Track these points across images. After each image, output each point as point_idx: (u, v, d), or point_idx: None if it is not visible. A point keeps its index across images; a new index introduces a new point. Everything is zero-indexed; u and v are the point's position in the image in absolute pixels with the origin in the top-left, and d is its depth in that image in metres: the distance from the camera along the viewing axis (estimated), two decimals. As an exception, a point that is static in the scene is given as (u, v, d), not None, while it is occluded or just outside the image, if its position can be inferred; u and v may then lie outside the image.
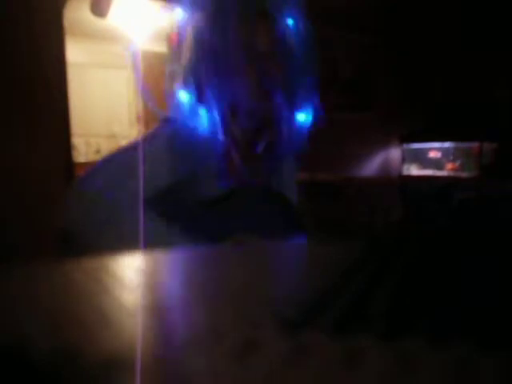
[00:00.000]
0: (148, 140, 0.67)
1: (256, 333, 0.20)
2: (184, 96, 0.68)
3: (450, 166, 3.02)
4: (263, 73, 0.67)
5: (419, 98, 3.20)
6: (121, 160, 0.65)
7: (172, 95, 0.70)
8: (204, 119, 0.66)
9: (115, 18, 3.20)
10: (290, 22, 0.68)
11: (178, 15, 0.69)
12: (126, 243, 0.54)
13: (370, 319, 0.21)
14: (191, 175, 0.65)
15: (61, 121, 1.71)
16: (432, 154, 3.11)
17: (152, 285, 0.28)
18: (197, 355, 0.18)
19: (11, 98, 1.59)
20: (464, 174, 2.83)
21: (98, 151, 4.19)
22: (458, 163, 2.97)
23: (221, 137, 0.65)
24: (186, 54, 0.67)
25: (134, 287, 0.28)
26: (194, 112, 0.67)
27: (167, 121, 0.69)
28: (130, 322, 0.21)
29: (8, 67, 1.57)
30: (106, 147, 4.21)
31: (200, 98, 0.66)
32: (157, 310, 0.23)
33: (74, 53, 3.47)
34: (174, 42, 0.71)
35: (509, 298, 0.25)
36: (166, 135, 0.67)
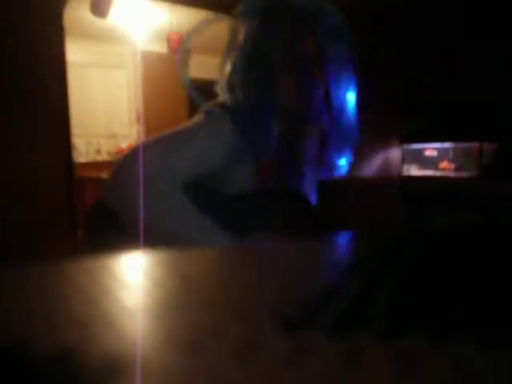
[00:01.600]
0: (200, 130, 0.68)
1: (256, 333, 0.20)
2: (236, 92, 0.71)
3: (444, 164, 3.03)
4: (309, 76, 0.71)
5: (419, 97, 3.20)
6: (166, 143, 0.66)
7: (224, 91, 0.73)
8: (251, 116, 0.69)
9: (115, 18, 3.20)
10: (332, 28, 0.72)
11: (230, 22, 0.73)
12: (157, 225, 0.56)
13: (370, 319, 0.21)
14: (228, 168, 0.67)
15: (61, 121, 1.71)
16: (428, 153, 3.11)
17: (152, 285, 0.28)
18: (197, 355, 0.18)
19: (11, 98, 1.59)
20: (464, 174, 2.83)
21: (98, 151, 4.19)
22: (452, 162, 2.97)
23: (261, 136, 0.68)
24: (237, 56, 0.71)
25: (134, 287, 0.28)
26: (243, 108, 0.70)
27: (212, 113, 0.71)
28: (130, 323, 0.21)
29: (8, 67, 1.57)
30: (106, 147, 4.21)
31: (247, 98, 0.69)
32: (157, 310, 0.23)
33: (74, 53, 3.47)
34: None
35: (509, 297, 0.25)
36: (216, 127, 0.69)
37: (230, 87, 0.72)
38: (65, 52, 1.71)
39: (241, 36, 0.71)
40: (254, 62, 0.69)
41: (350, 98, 0.76)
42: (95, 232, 0.69)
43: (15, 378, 0.16)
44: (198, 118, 0.71)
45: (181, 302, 0.25)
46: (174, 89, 4.23)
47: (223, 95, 0.74)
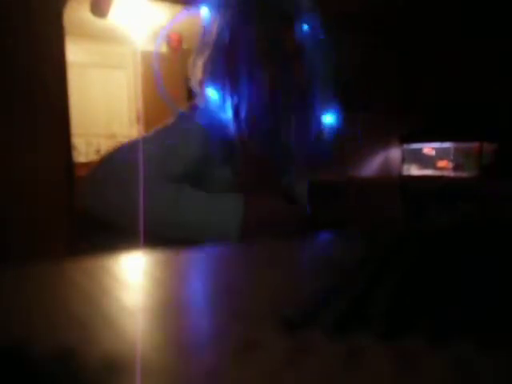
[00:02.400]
0: (166, 130, 0.69)
1: (256, 333, 0.20)
2: (207, 92, 0.70)
3: (442, 163, 3.03)
4: (285, 72, 0.70)
5: (419, 97, 3.20)
6: (136, 147, 0.66)
7: (195, 91, 0.72)
8: (223, 114, 0.68)
9: (115, 18, 3.20)
10: (309, 26, 0.70)
11: (203, 15, 0.72)
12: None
13: (370, 319, 0.21)
14: (203, 167, 0.67)
15: (61, 121, 1.71)
16: (426, 151, 3.12)
17: (152, 285, 0.28)
18: (197, 355, 0.18)
19: (11, 98, 1.59)
20: (464, 174, 2.83)
21: (98, 151, 4.19)
22: (451, 161, 2.97)
23: (238, 132, 0.68)
24: (210, 52, 0.70)
25: (134, 287, 0.28)
26: (214, 106, 0.69)
27: (183, 115, 0.71)
28: (130, 323, 0.21)
29: (8, 67, 1.57)
30: (106, 147, 4.20)
31: (221, 94, 0.69)
32: (157, 310, 0.23)
33: (74, 53, 3.47)
34: (200, 40, 0.73)
35: (509, 297, 0.25)
36: (183, 126, 0.69)
37: (203, 85, 0.71)
38: (65, 52, 1.71)
39: (213, 32, 0.70)
40: (229, 58, 0.68)
41: (328, 98, 0.75)
42: (86, 234, 0.69)
43: (15, 377, 0.16)
44: (170, 120, 0.71)
45: (181, 302, 0.25)
46: (174, 89, 4.21)
47: (199, 93, 0.73)
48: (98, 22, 3.09)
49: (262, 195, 0.68)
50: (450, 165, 3.02)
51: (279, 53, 0.69)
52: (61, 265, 0.33)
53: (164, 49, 4.07)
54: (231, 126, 0.68)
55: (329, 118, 0.75)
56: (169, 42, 3.93)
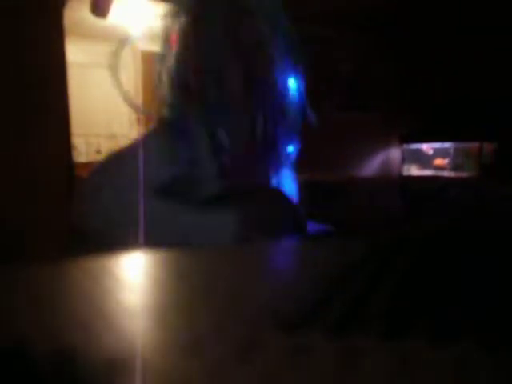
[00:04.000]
0: (147, 139, 0.68)
1: (256, 333, 0.20)
2: (174, 96, 0.69)
3: (438, 161, 3.03)
4: (250, 71, 0.68)
5: (419, 97, 3.20)
6: (124, 157, 0.65)
7: (163, 95, 0.70)
8: (195, 119, 0.67)
9: (115, 18, 3.20)
10: (274, 22, 0.68)
11: (165, 14, 0.71)
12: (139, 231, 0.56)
13: (370, 319, 0.21)
14: (188, 174, 0.66)
15: (61, 121, 1.71)
16: (426, 151, 3.12)
17: (152, 285, 0.28)
18: (197, 355, 0.18)
19: (11, 98, 1.59)
20: (464, 174, 2.83)
21: (98, 151, 4.19)
22: (447, 160, 2.98)
23: (213, 136, 0.66)
24: (174, 53, 0.68)
25: (134, 287, 0.28)
26: (185, 112, 0.67)
27: (163, 121, 0.69)
28: (130, 323, 0.21)
29: (8, 67, 1.57)
30: (106, 147, 4.20)
31: (189, 97, 0.67)
32: (157, 310, 0.23)
33: (74, 53, 3.47)
34: (171, 42, 0.71)
35: (509, 297, 0.25)
36: (163, 135, 0.68)
37: (168, 89, 0.70)
38: (65, 52, 1.71)
39: (173, 37, 0.68)
40: (193, 58, 0.66)
41: (293, 84, 0.73)
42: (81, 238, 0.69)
43: (15, 377, 0.16)
44: (151, 127, 0.70)
45: (181, 302, 0.25)
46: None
47: (166, 99, 0.71)
48: (98, 21, 3.09)
49: (255, 198, 0.67)
50: (439, 160, 3.02)
51: (243, 50, 0.67)
52: (61, 265, 0.33)
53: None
54: (201, 129, 0.66)
55: (295, 109, 0.73)
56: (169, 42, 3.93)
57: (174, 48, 0.72)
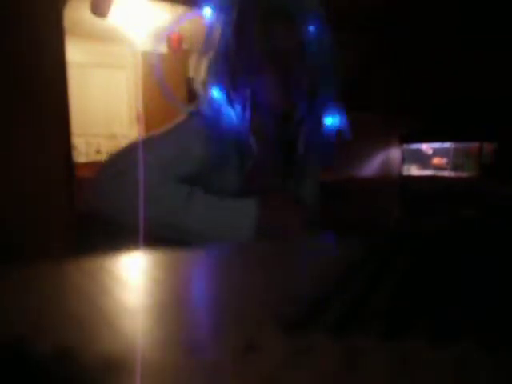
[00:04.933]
0: (178, 129, 0.68)
1: (256, 333, 0.20)
2: (211, 91, 0.70)
3: (436, 160, 3.03)
4: (285, 71, 0.70)
5: (419, 97, 3.20)
6: (152, 143, 0.65)
7: (200, 90, 0.73)
8: (228, 115, 0.68)
9: (115, 18, 3.20)
10: (311, 25, 0.70)
11: (206, 15, 0.72)
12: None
13: (370, 319, 0.21)
14: (216, 166, 0.67)
15: (61, 121, 1.71)
16: (426, 151, 3.12)
17: (152, 285, 0.28)
18: (197, 355, 0.18)
19: (11, 98, 1.59)
20: (464, 174, 2.83)
21: (98, 151, 4.19)
22: (445, 159, 2.98)
23: (244, 132, 0.68)
24: (213, 52, 0.70)
25: (134, 287, 0.28)
26: (219, 107, 0.69)
27: (193, 114, 0.70)
28: (130, 323, 0.21)
29: (8, 67, 1.57)
30: (106, 147, 4.20)
31: (225, 94, 0.69)
32: (157, 310, 0.23)
33: (74, 53, 3.47)
34: (172, 42, 0.73)
35: (509, 297, 0.24)
36: (194, 126, 0.68)
37: (206, 86, 0.71)
38: (65, 52, 1.71)
39: (217, 33, 0.70)
40: (234, 59, 0.68)
41: (332, 99, 0.75)
42: (86, 240, 0.69)
43: (15, 377, 0.16)
44: (177, 120, 0.71)
45: (181, 302, 0.25)
46: (174, 89, 4.22)
47: (202, 93, 0.73)
48: (98, 21, 3.09)
49: (272, 196, 0.68)
50: (437, 159, 3.02)
51: (281, 52, 0.69)
52: (61, 265, 0.33)
53: (164, 49, 4.07)
54: (236, 127, 0.68)
55: (332, 120, 0.76)
56: (169, 43, 3.93)
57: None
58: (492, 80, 2.73)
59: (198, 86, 0.72)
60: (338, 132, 0.76)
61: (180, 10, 3.01)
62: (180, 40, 3.92)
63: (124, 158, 0.62)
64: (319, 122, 0.75)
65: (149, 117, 3.95)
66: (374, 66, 3.31)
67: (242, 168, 0.69)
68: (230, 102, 0.69)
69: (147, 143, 0.64)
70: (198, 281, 0.30)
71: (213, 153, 0.67)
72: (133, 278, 0.30)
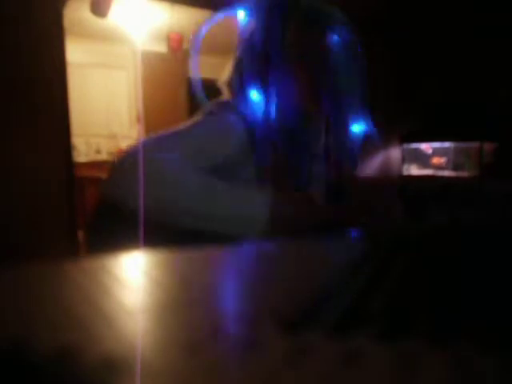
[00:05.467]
0: (203, 124, 0.69)
1: (256, 333, 0.20)
2: (240, 90, 0.72)
3: (435, 160, 3.03)
4: (313, 76, 0.72)
5: (419, 97, 3.20)
6: (164, 141, 0.66)
7: (222, 89, 0.75)
8: (255, 112, 0.70)
9: (115, 18, 3.20)
10: (339, 34, 0.73)
11: (239, 16, 0.74)
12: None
13: (370, 319, 0.21)
14: (239, 161, 0.68)
15: (61, 121, 1.71)
16: (426, 151, 3.12)
17: (152, 285, 0.28)
18: (197, 355, 0.18)
19: (11, 98, 1.59)
20: (464, 174, 2.83)
21: (98, 151, 4.19)
22: (444, 159, 2.98)
23: (269, 130, 0.69)
24: (243, 52, 0.72)
25: (134, 287, 0.28)
26: (246, 105, 0.71)
27: (211, 113, 0.71)
28: (130, 323, 0.21)
29: (8, 67, 1.57)
30: (106, 147, 4.21)
31: (252, 94, 0.70)
32: (157, 310, 0.23)
33: (74, 53, 3.47)
34: (172, 42, 0.75)
35: (509, 298, 0.25)
36: (209, 125, 0.70)
37: (237, 85, 0.73)
38: (65, 52, 1.71)
39: (246, 33, 0.72)
40: (263, 61, 0.70)
41: (358, 105, 0.77)
42: (102, 231, 0.69)
43: (15, 377, 0.16)
44: (196, 117, 0.71)
45: (181, 302, 0.25)
46: (174, 89, 4.22)
47: (228, 93, 0.75)
48: (98, 21, 3.09)
49: (287, 192, 0.69)
50: (436, 159, 3.02)
51: (311, 55, 0.71)
52: (61, 265, 0.33)
53: (164, 49, 4.07)
54: (261, 125, 0.69)
55: (359, 127, 0.78)
56: (169, 43, 3.93)
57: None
58: (492, 80, 2.73)
59: (222, 84, 0.75)
60: (367, 139, 0.78)
61: (179, 9, 3.01)
62: (180, 40, 3.92)
63: (145, 148, 0.62)
64: (344, 128, 0.77)
65: (149, 117, 3.95)
66: (374, 66, 3.31)
67: (265, 165, 0.70)
68: (259, 100, 0.70)
69: (167, 138, 0.64)
70: (198, 281, 0.30)
71: (238, 147, 0.67)
72: (133, 278, 0.30)
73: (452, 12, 2.72)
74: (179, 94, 4.21)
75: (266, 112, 0.70)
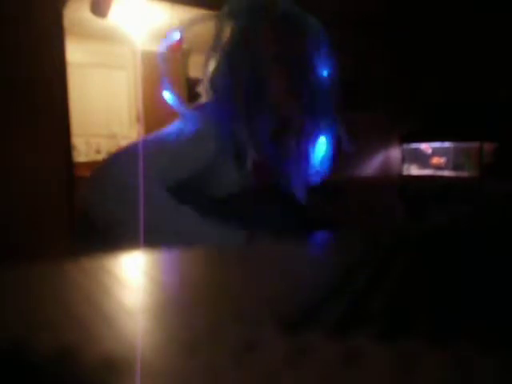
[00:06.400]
0: (173, 133, 0.68)
1: (256, 333, 0.20)
2: (215, 91, 0.73)
3: (435, 160, 3.03)
4: (288, 77, 0.72)
5: (419, 97, 3.20)
6: (143, 148, 0.66)
7: (203, 90, 0.75)
8: (230, 115, 0.70)
9: (115, 18, 3.20)
10: (315, 41, 0.74)
11: (216, 16, 0.74)
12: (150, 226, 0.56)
13: (370, 319, 0.21)
14: (209, 170, 0.67)
15: (61, 121, 1.71)
16: (426, 151, 3.12)
17: (152, 285, 0.28)
18: (197, 355, 0.18)
19: (11, 98, 1.59)
20: (464, 174, 2.83)
21: (98, 151, 4.19)
22: (443, 159, 2.98)
23: (241, 136, 0.68)
24: (222, 56, 0.72)
25: (134, 287, 0.28)
26: (221, 106, 0.71)
27: (190, 116, 0.71)
28: (130, 322, 0.21)
29: (8, 67, 1.57)
30: (106, 147, 4.21)
31: (229, 94, 0.70)
32: (157, 310, 0.23)
33: (74, 53, 3.47)
34: (213, 41, 0.75)
35: (509, 297, 0.25)
36: (189, 129, 0.69)
37: (214, 86, 0.73)
38: (65, 52, 1.71)
39: (226, 36, 0.72)
40: (240, 62, 0.70)
41: (329, 113, 0.77)
42: (83, 239, 0.69)
43: (15, 377, 0.16)
44: (173, 123, 0.71)
45: (181, 302, 0.25)
46: (173, 89, 4.21)
47: (206, 95, 0.75)
48: (98, 21, 3.09)
49: (263, 204, 0.69)
50: (436, 159, 3.02)
51: (287, 58, 0.71)
52: (61, 265, 0.33)
53: (164, 49, 4.06)
54: (239, 127, 0.69)
55: (330, 131, 0.78)
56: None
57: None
58: (492, 80, 2.73)
59: (205, 85, 0.75)
60: (338, 144, 0.79)
61: (179, 9, 3.01)
62: (180, 40, 3.92)
63: (116, 162, 0.62)
64: (317, 132, 0.77)
65: (149, 117, 3.95)
66: (374, 67, 3.31)
67: (240, 168, 0.70)
68: (234, 102, 0.70)
69: (139, 148, 0.64)
70: (198, 281, 0.30)
71: (211, 153, 0.67)
72: (133, 278, 0.30)
73: (452, 12, 2.72)
74: (179, 93, 4.20)
75: (242, 115, 0.69)
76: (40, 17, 1.58)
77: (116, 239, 0.57)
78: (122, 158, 0.62)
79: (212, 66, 0.74)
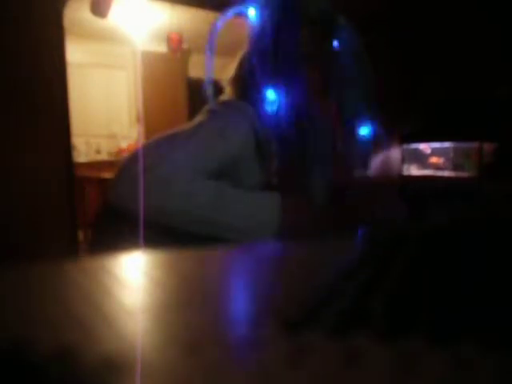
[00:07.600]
0: (195, 127, 0.68)
1: (256, 333, 0.20)
2: (246, 89, 0.72)
3: (434, 160, 3.03)
4: (323, 77, 0.74)
5: (419, 97, 3.20)
6: (167, 143, 0.65)
7: (226, 87, 0.76)
8: (260, 112, 0.70)
9: (115, 18, 3.20)
10: (346, 35, 0.75)
11: (250, 14, 0.75)
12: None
13: (370, 319, 0.21)
14: (234, 167, 0.68)
15: (61, 121, 1.71)
16: (426, 151, 3.12)
17: (152, 285, 0.28)
18: (197, 355, 0.18)
19: (11, 98, 1.59)
20: (464, 174, 2.83)
21: (98, 151, 4.19)
22: (442, 158, 2.98)
23: (275, 130, 0.69)
24: (253, 50, 0.72)
25: (134, 287, 0.28)
26: (252, 104, 0.71)
27: (220, 110, 0.71)
28: (130, 323, 0.21)
29: (8, 67, 1.57)
30: (106, 147, 4.21)
31: (260, 92, 0.70)
32: (157, 310, 0.23)
33: (74, 53, 3.47)
34: (172, 42, 0.75)
35: (509, 297, 0.25)
36: (212, 125, 0.69)
37: (242, 82, 0.73)
38: (65, 52, 1.71)
39: (256, 31, 0.72)
40: (272, 58, 0.70)
41: (364, 105, 0.78)
42: (105, 233, 0.68)
43: (15, 377, 0.16)
44: (200, 117, 0.71)
45: (181, 302, 0.25)
46: (173, 89, 4.22)
47: (230, 91, 0.75)
48: (98, 21, 3.09)
49: (295, 195, 0.69)
50: (434, 159, 3.02)
51: (321, 56, 0.73)
52: (61, 265, 0.33)
53: (164, 49, 4.07)
54: (268, 125, 0.69)
55: (366, 129, 0.79)
56: (169, 43, 3.93)
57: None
58: (492, 80, 2.73)
59: (227, 83, 0.76)
60: (373, 140, 0.79)
61: (179, 9, 3.01)
62: (180, 40, 3.92)
63: (151, 153, 0.61)
64: (352, 129, 0.78)
65: (149, 117, 3.95)
66: (374, 67, 3.31)
67: (270, 166, 0.70)
68: (267, 99, 0.70)
69: (174, 139, 0.64)
70: (198, 281, 0.30)
71: (243, 147, 0.67)
72: (133, 278, 0.30)
73: (454, 11, 2.72)
74: (179, 94, 4.21)
75: (275, 111, 0.69)
76: (40, 17, 1.58)
77: (154, 228, 0.56)
78: (154, 149, 0.61)
79: (242, 62, 0.74)
